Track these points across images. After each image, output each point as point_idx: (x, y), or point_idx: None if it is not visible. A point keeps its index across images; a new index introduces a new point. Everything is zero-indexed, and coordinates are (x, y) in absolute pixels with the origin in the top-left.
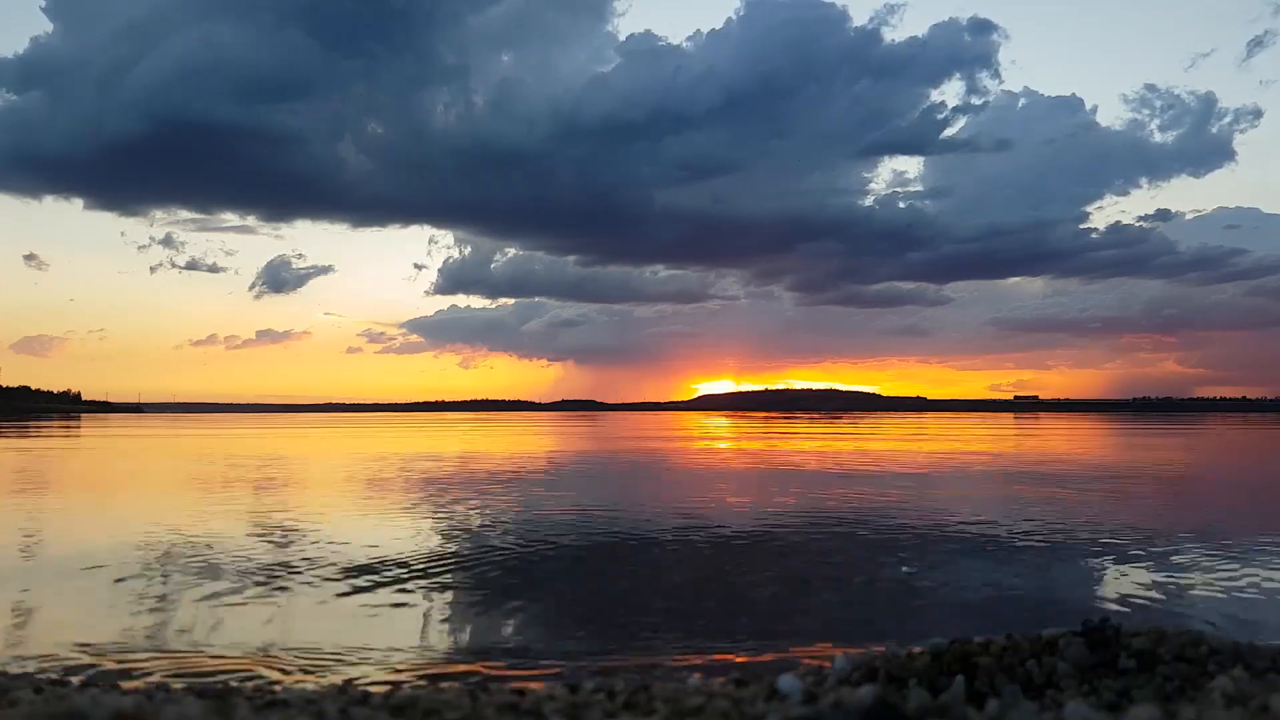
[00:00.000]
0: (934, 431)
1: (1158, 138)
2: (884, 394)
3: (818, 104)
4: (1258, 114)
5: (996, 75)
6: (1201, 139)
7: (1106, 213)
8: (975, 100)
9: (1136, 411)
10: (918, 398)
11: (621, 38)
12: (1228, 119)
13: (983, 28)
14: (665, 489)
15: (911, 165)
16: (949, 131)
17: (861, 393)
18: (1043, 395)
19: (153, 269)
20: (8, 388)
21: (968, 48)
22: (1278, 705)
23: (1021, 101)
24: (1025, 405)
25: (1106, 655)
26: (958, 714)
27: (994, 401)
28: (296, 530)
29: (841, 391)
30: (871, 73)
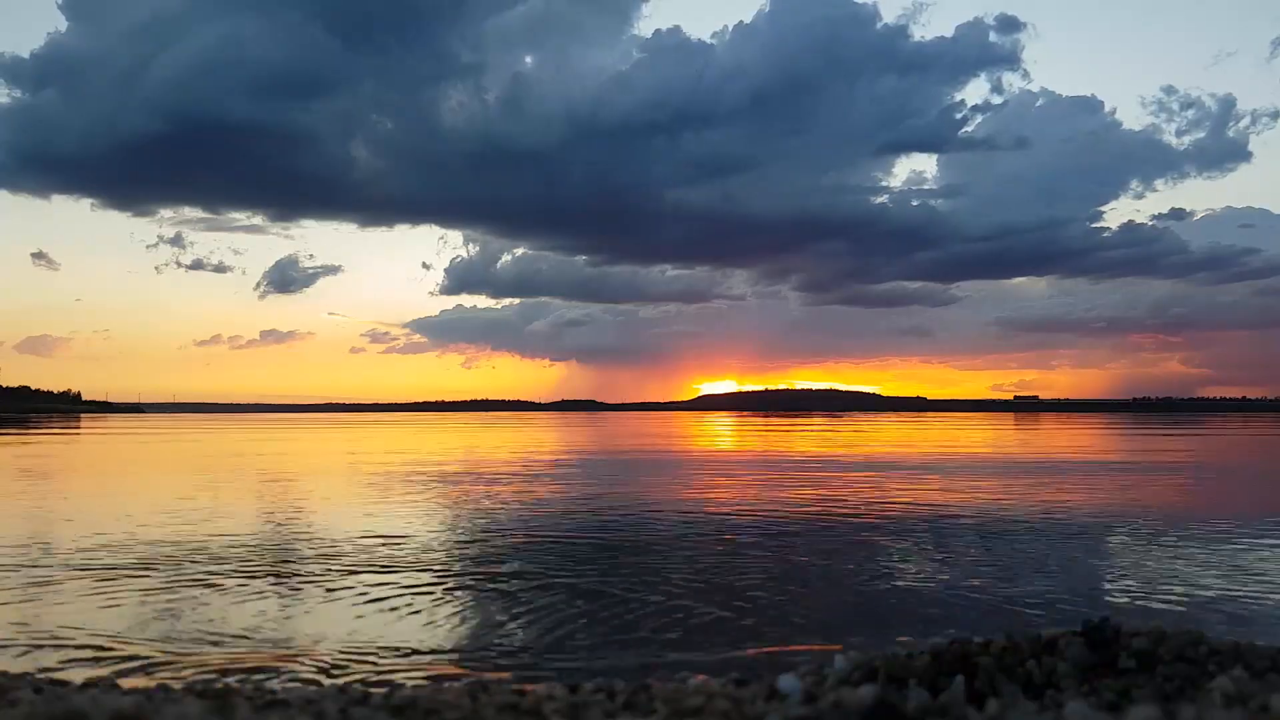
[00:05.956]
0: (896, 438)
1: (1174, 140)
2: (884, 394)
3: (840, 102)
4: (1276, 115)
5: (1026, 75)
6: (1219, 141)
7: (1120, 212)
8: (996, 99)
9: (1135, 412)
10: (917, 398)
11: (647, 35)
12: (1245, 120)
13: (1009, 25)
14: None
15: (929, 164)
16: (967, 130)
17: (862, 393)
18: (1044, 395)
19: (158, 269)
20: (7, 387)
21: (994, 47)
22: (1278, 705)
23: (1040, 101)
24: (1025, 405)
25: (1106, 655)
26: (958, 714)
27: (994, 402)
28: (294, 532)
29: (842, 392)
30: (897, 70)
